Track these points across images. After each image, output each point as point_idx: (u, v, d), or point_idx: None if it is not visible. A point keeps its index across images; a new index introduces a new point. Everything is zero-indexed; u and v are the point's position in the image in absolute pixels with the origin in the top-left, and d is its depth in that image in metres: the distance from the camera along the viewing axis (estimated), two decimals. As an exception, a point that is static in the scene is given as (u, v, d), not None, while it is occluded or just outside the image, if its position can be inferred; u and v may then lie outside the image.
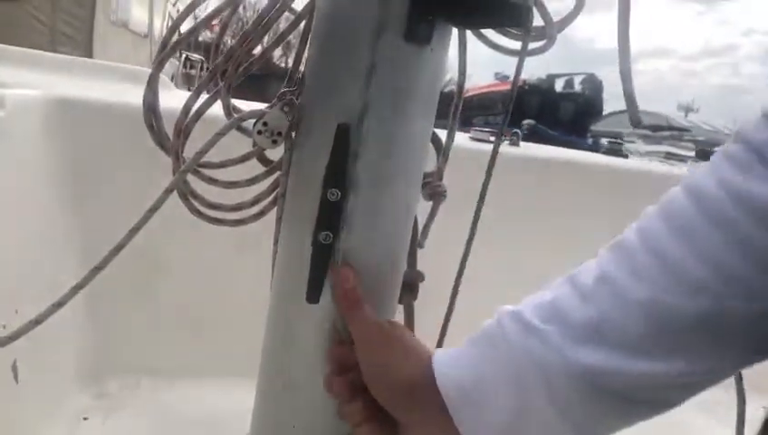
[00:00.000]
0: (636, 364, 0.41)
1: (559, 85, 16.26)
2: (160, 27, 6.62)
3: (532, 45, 0.65)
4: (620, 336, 0.42)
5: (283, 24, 0.66)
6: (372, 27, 0.53)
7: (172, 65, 5.90)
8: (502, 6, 0.54)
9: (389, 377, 0.51)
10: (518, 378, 0.45)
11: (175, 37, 0.66)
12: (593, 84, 16.43)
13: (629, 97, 0.58)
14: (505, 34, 0.66)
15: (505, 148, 1.95)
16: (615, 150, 2.64)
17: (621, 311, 0.42)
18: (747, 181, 0.39)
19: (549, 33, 0.65)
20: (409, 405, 0.50)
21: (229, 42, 0.66)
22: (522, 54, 0.62)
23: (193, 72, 7.06)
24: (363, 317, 0.55)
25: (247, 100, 1.41)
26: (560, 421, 0.44)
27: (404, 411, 0.51)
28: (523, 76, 0.64)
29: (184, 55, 6.71)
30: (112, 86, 1.84)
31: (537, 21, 0.64)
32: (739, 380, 0.65)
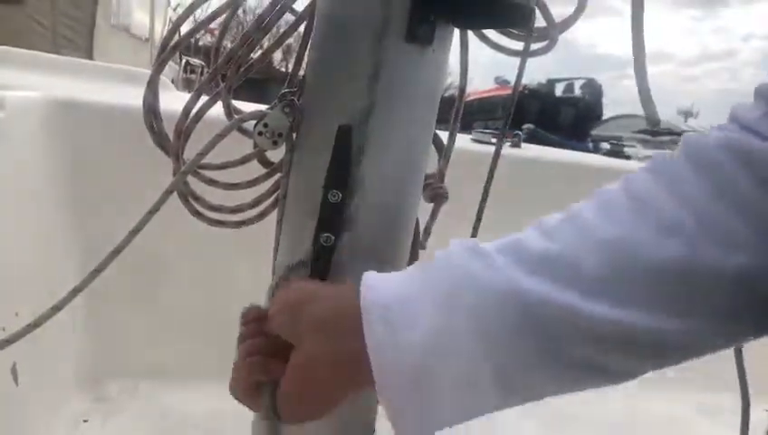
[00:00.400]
0: (586, 305, 0.36)
1: (559, 90, 16.27)
2: (161, 31, 6.62)
3: (534, 46, 0.64)
4: (576, 273, 0.37)
5: (283, 26, 0.66)
6: (374, 29, 0.52)
7: (172, 69, 5.91)
8: (504, 7, 0.53)
9: (287, 295, 0.49)
10: (449, 297, 0.40)
11: (175, 39, 0.65)
12: (593, 89, 16.45)
13: (646, 96, 0.58)
14: (507, 35, 0.66)
15: (507, 149, 1.95)
16: (617, 152, 2.64)
17: (583, 247, 0.38)
18: (741, 138, 0.38)
19: (551, 34, 0.64)
20: (295, 318, 0.46)
21: (229, 45, 0.66)
22: (524, 55, 0.62)
23: (193, 76, 7.06)
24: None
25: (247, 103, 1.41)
26: (481, 356, 0.38)
27: (288, 328, 0.47)
28: (524, 81, 0.64)
29: (184, 60, 6.72)
30: (113, 88, 1.83)
31: (539, 22, 0.64)
32: (743, 383, 0.65)
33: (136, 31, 6.37)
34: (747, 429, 0.65)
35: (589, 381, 0.39)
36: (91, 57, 5.13)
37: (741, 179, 0.36)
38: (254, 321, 0.51)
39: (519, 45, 0.65)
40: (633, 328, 0.36)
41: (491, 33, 0.68)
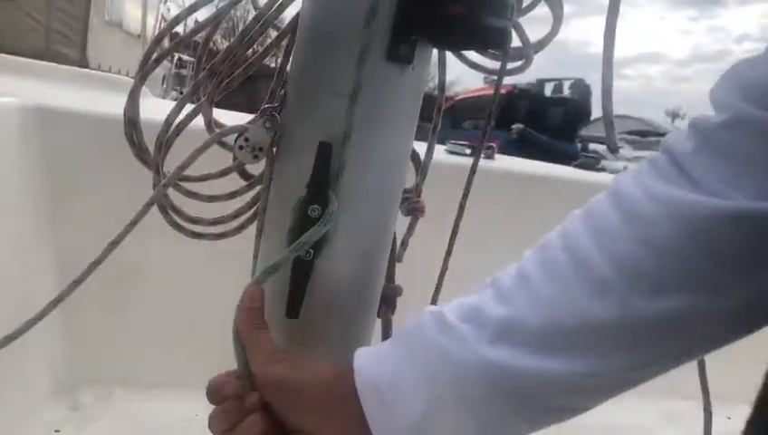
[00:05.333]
0: (541, 363, 0.40)
1: (548, 90, 16.26)
2: (153, 27, 6.52)
3: (510, 65, 0.66)
4: (529, 335, 0.41)
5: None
6: (356, 47, 0.54)
7: (163, 66, 5.84)
8: (482, 29, 0.55)
9: (297, 383, 0.48)
10: (429, 376, 0.43)
11: (158, 51, 0.66)
12: (581, 89, 16.43)
13: (608, 123, 0.60)
14: (484, 54, 0.68)
15: (480, 161, 1.97)
16: (588, 165, 2.68)
17: (532, 309, 0.42)
18: (665, 186, 0.40)
19: (526, 53, 0.66)
20: (321, 407, 0.47)
21: (219, 40, 0.67)
22: (500, 74, 0.64)
23: (184, 71, 6.99)
24: (262, 338, 0.52)
25: (233, 98, 1.40)
26: (468, 423, 0.43)
27: (312, 416, 0.47)
28: (514, 81, 0.66)
29: (176, 56, 6.62)
30: (99, 94, 1.82)
31: (515, 42, 0.66)
32: (705, 392, 0.67)
33: (128, 27, 6.27)
34: (710, 437, 0.67)
35: (562, 419, 0.44)
36: (84, 53, 5.07)
37: (666, 234, 0.39)
38: (233, 398, 0.50)
39: (495, 64, 0.67)
40: (589, 375, 0.41)
41: (468, 52, 0.69)
